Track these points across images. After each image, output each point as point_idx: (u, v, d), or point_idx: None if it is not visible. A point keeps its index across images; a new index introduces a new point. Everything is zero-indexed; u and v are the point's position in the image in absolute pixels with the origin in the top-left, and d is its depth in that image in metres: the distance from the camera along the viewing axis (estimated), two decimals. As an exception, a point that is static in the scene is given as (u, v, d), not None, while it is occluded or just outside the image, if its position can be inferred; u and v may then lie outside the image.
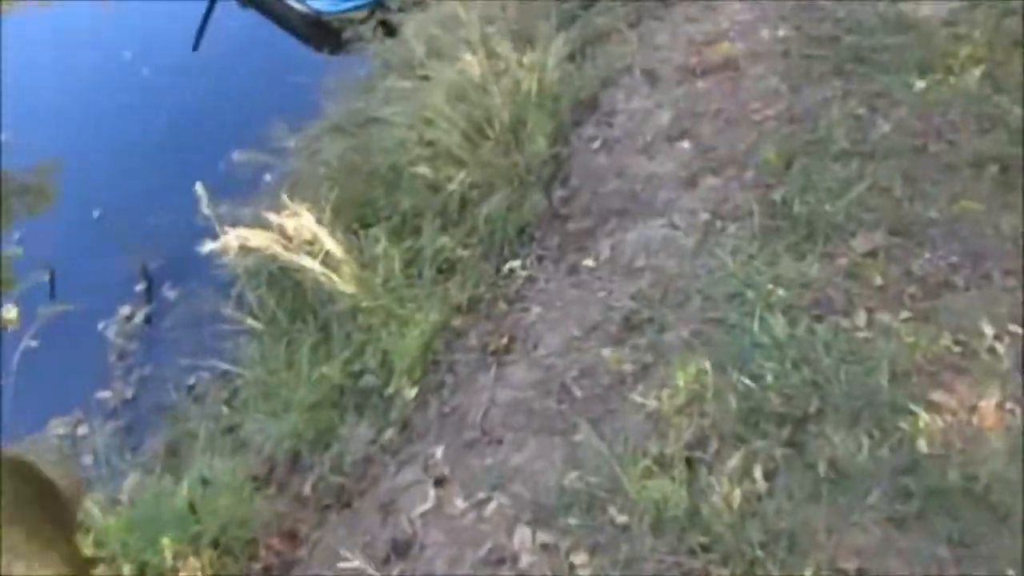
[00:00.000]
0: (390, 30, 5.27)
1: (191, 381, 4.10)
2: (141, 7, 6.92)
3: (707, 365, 2.80)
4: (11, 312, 2.74)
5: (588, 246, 3.58)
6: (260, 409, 3.58)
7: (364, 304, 3.49)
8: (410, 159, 3.96)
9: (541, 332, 3.27)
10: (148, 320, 4.66)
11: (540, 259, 3.63)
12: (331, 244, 3.44)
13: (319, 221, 3.80)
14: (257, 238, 3.27)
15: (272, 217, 3.43)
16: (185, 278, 4.56)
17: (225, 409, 3.77)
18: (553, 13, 4.83)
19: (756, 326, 2.93)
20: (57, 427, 4.01)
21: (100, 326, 4.42)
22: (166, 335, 4.31)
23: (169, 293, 4.62)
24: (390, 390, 3.17)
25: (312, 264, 3.38)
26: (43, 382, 4.24)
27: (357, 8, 5.69)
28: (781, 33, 4.17)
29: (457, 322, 3.41)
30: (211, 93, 5.82)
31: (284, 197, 3.40)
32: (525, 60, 4.36)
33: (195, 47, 6.68)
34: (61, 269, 4.73)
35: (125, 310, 4.48)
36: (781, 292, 3.02)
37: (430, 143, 3.97)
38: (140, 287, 4.61)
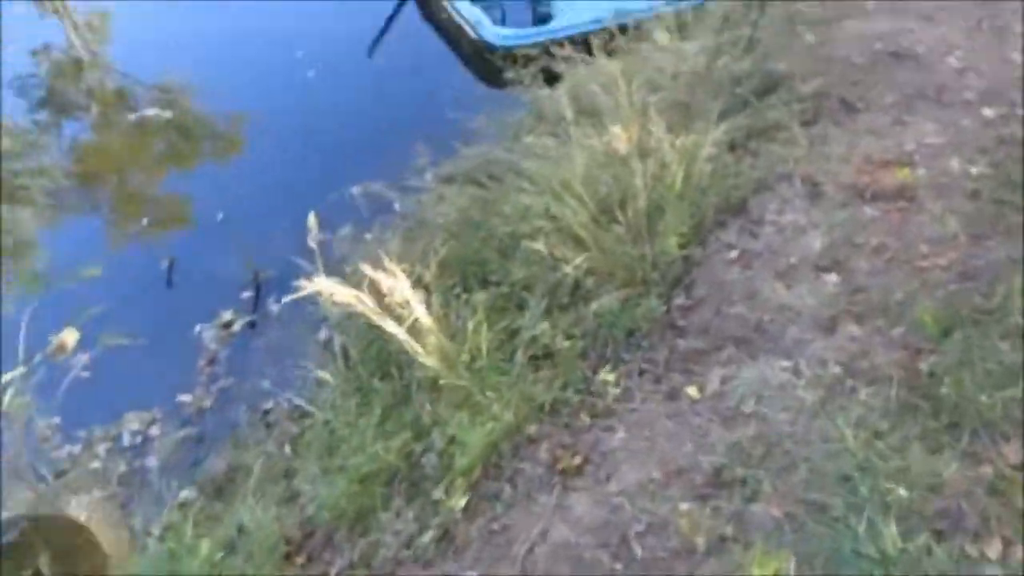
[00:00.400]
0: (552, 77, 5.05)
1: (268, 405, 4.01)
2: (334, 5, 7.00)
3: (792, 564, 2.40)
4: (70, 336, 2.69)
5: (696, 372, 3.21)
6: (319, 461, 3.42)
7: (442, 381, 3.26)
8: (530, 230, 3.70)
9: (619, 463, 2.94)
10: (252, 326, 4.63)
11: (641, 373, 3.28)
12: (421, 312, 3.22)
13: (419, 279, 3.63)
14: (343, 294, 3.10)
15: (368, 270, 3.25)
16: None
17: (288, 449, 3.64)
18: (724, 94, 4.47)
19: (862, 526, 2.49)
20: (132, 422, 4.01)
21: (197, 328, 4.41)
22: (258, 351, 4.24)
23: (273, 307, 4.57)
24: (438, 494, 2.92)
25: (396, 330, 3.18)
26: (133, 371, 4.29)
27: (523, 46, 5.48)
28: (974, 170, 3.64)
29: (532, 427, 3.12)
30: (365, 108, 5.78)
31: (382, 254, 3.21)
32: (678, 143, 4.02)
33: (369, 54, 6.70)
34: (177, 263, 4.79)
35: (226, 315, 4.45)
36: (902, 491, 2.56)
37: (554, 217, 3.70)
38: (247, 295, 4.58)
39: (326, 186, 4.85)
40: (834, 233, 3.51)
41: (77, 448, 3.91)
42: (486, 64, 5.66)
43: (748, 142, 4.21)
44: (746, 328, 3.29)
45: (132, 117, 6.28)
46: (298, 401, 3.75)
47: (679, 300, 3.52)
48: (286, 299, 3.25)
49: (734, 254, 3.60)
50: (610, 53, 5.01)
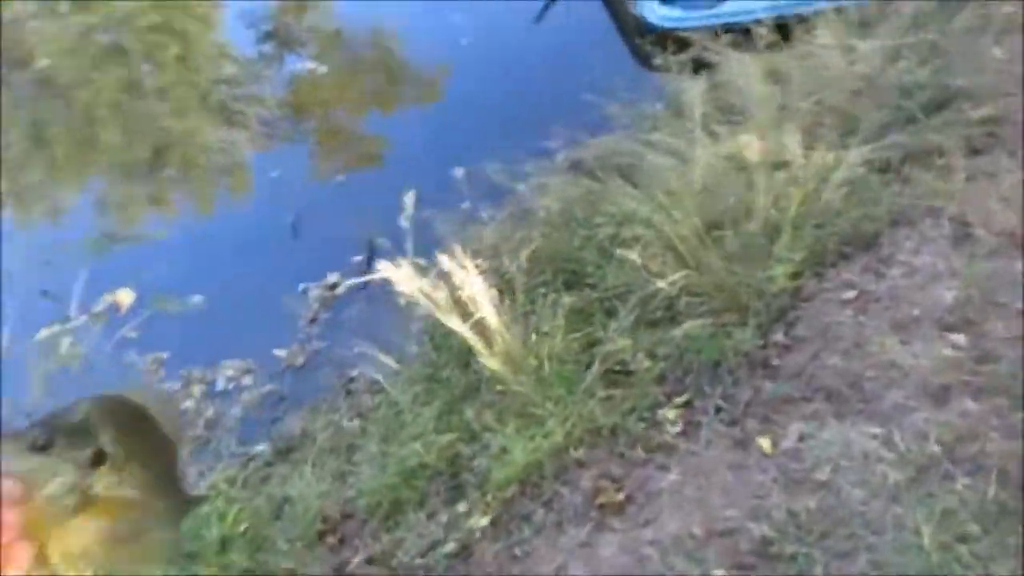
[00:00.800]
0: (701, 66, 4.69)
1: (354, 374, 4.03)
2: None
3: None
4: (125, 296, 2.76)
5: (775, 421, 2.89)
6: (380, 443, 3.39)
7: (499, 387, 3.12)
8: (630, 236, 3.45)
9: (662, 508, 2.70)
10: (364, 287, 4.65)
11: (717, 411, 2.99)
12: (489, 310, 3.09)
13: (504, 272, 3.50)
14: (408, 283, 3.01)
15: (445, 261, 3.15)
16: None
17: (357, 423, 3.63)
18: (890, 106, 3.97)
19: (915, 645, 2.15)
20: (228, 368, 4.15)
21: (301, 287, 4.49)
22: (355, 318, 4.26)
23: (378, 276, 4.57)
24: (463, 507, 2.79)
25: (459, 327, 3.07)
26: (244, 317, 4.44)
27: (684, 29, 5.11)
28: None
29: (584, 451, 2.92)
30: (512, 80, 5.62)
31: (456, 246, 3.09)
32: (816, 157, 3.61)
33: (537, 20, 6.53)
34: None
35: (333, 277, 4.50)
36: (975, 615, 2.18)
37: (655, 225, 3.42)
38: (358, 259, 4.60)
39: (453, 157, 4.78)
40: (973, 286, 3.03)
41: (177, 386, 4.10)
42: (640, 47, 5.34)
43: (903, 165, 3.71)
44: (843, 382, 2.91)
45: (285, 70, 6.49)
46: (377, 376, 3.73)
47: (777, 336, 3.17)
48: (368, 278, 3.22)
49: (851, 294, 3.20)
50: (773, 46, 4.58)
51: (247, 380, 4.13)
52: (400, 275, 3.04)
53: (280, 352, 4.24)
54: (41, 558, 0.75)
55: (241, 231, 4.91)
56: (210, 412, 3.97)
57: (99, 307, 2.75)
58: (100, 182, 6.32)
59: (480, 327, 3.14)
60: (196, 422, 3.88)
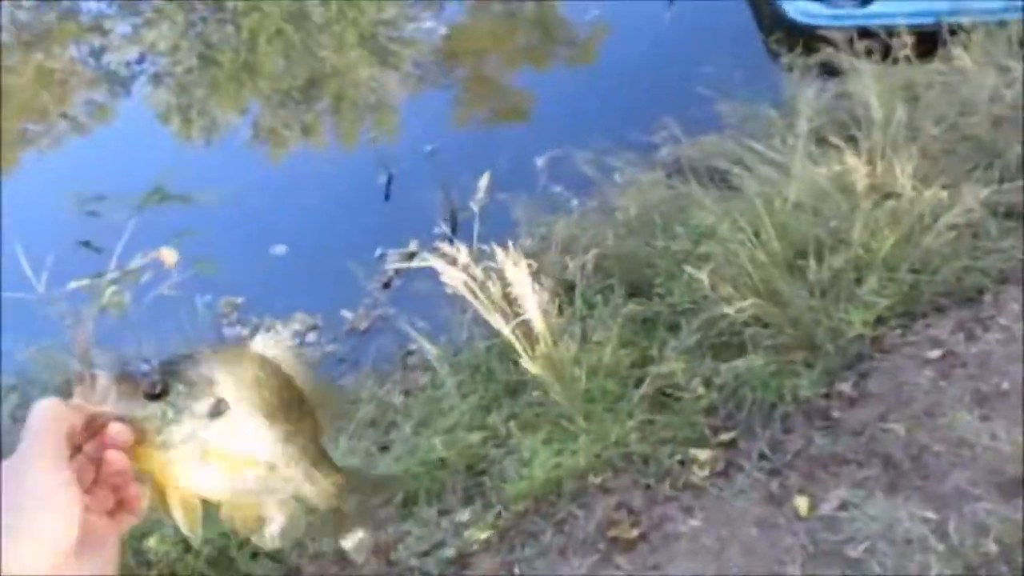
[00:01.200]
0: (830, 72, 4.32)
1: (413, 347, 3.99)
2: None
3: None
4: (169, 254, 2.78)
5: (819, 481, 2.65)
6: (416, 424, 3.34)
7: (536, 393, 3.00)
8: (704, 253, 3.22)
9: (676, 554, 2.53)
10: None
11: (760, 456, 2.78)
12: (535, 313, 2.96)
13: (565, 271, 3.36)
14: (454, 274, 2.92)
15: (500, 253, 3.03)
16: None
17: (402, 399, 3.60)
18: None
19: None
20: (296, 322, 4.19)
21: (378, 252, 4.48)
22: (425, 289, 4.21)
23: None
24: (471, 512, 2.70)
25: (501, 326, 2.96)
26: (322, 272, 4.48)
27: (827, 28, 4.69)
28: None
29: (608, 476, 2.77)
30: (637, 60, 5.36)
31: (509, 244, 2.97)
32: (929, 194, 3.26)
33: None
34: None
35: (413, 245, 4.45)
36: None
37: (729, 244, 3.18)
38: (439, 230, 4.52)
39: (552, 140, 4.63)
40: (1079, 366, 2.67)
41: (247, 331, 4.19)
42: (772, 42, 4.96)
43: (1035, 212, 3.31)
44: (904, 452, 2.64)
45: (410, 27, 6.45)
46: (431, 357, 3.67)
47: (843, 387, 2.90)
48: (424, 263, 3.16)
49: (935, 353, 2.88)
50: (913, 58, 4.15)
51: (311, 337, 4.17)
52: (445, 266, 2.95)
53: (347, 313, 4.25)
54: (158, 505, 0.73)
55: (336, 183, 4.93)
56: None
57: (137, 263, 2.79)
58: (256, 106, 6.54)
59: (525, 328, 3.02)
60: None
